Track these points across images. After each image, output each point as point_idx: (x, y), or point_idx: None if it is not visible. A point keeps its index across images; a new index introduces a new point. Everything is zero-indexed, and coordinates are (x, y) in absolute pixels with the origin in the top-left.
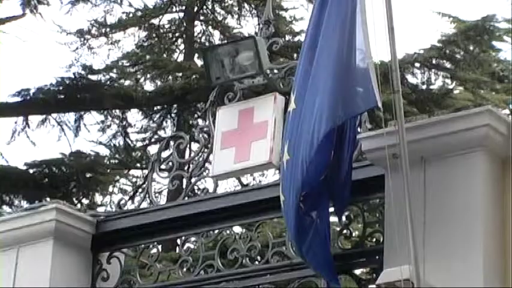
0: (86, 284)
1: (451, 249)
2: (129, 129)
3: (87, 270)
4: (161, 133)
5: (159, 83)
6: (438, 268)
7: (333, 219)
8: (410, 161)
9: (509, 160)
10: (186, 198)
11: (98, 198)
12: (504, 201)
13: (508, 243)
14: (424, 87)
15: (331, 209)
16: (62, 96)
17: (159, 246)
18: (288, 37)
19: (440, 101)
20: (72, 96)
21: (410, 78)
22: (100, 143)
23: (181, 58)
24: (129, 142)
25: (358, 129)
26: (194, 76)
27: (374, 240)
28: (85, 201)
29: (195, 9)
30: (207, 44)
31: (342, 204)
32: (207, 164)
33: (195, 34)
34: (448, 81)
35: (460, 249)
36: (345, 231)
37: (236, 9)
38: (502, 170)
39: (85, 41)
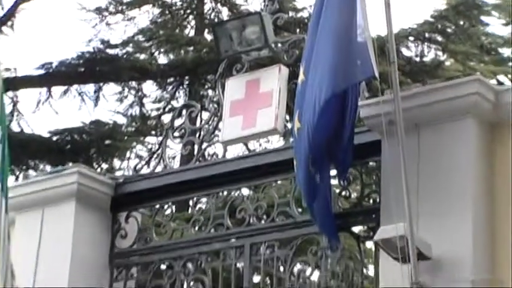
0: (106, 242)
1: (442, 207)
2: (144, 100)
3: (107, 229)
4: (174, 103)
5: (172, 56)
6: (431, 225)
7: (333, 181)
8: (405, 127)
9: (497, 125)
10: (198, 162)
11: (116, 163)
12: (492, 162)
13: (496, 201)
14: (417, 59)
15: (332, 172)
16: (82, 69)
17: (173, 207)
18: (291, 13)
19: (432, 71)
20: (91, 69)
21: (405, 51)
22: (118, 112)
23: (192, 33)
24: (145, 111)
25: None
26: (204, 50)
27: (371, 200)
28: (104, 165)
29: None
30: (216, 20)
31: (344, 168)
32: (216, 131)
33: (205, 11)
34: (440, 53)
35: (451, 207)
36: (344, 192)
37: None
38: (490, 134)
39: (103, 18)
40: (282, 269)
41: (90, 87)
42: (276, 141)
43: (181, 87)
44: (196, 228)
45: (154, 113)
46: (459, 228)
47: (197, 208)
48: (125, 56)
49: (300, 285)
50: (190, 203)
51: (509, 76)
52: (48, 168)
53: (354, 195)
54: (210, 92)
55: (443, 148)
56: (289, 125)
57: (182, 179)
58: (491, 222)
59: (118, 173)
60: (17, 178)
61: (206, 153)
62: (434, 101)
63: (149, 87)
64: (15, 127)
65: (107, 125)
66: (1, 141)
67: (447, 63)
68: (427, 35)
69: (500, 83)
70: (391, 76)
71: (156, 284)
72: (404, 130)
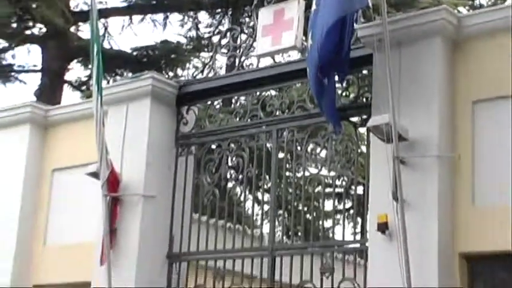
0: (173, 128)
1: (417, 102)
2: (199, 25)
3: (173, 119)
4: (221, 27)
5: None
6: (407, 116)
7: (337, 85)
8: (390, 44)
9: (458, 43)
10: (238, 70)
11: (179, 71)
12: (454, 69)
13: (456, 98)
14: None
15: (336, 78)
16: (154, 2)
17: (221, 103)
18: None
19: (410, 3)
20: (161, 2)
21: None
22: (180, 34)
23: None
24: (200, 34)
25: (355, 24)
26: None
27: (364, 98)
28: (171, 73)
29: None
30: None
31: (344, 74)
32: (252, 48)
33: None
34: None
35: (424, 103)
36: (345, 92)
37: None
38: (453, 49)
39: None
40: (299, 148)
41: (159, 16)
42: (296, 55)
43: (226, 16)
44: (238, 118)
45: (206, 35)
46: (429, 118)
47: (238, 103)
48: None
49: (312, 160)
50: (233, 100)
51: (467, 7)
52: (130, 74)
53: (352, 94)
54: (247, 19)
55: (418, 59)
56: (305, 44)
57: (227, 83)
58: (453, 114)
59: (181, 78)
60: (108, 82)
61: (244, 64)
62: (412, 24)
63: (203, 16)
64: (106, 45)
65: (172, 43)
66: (97, 54)
67: None
68: None
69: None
70: (381, 6)
71: (208, 158)
72: (390, 46)
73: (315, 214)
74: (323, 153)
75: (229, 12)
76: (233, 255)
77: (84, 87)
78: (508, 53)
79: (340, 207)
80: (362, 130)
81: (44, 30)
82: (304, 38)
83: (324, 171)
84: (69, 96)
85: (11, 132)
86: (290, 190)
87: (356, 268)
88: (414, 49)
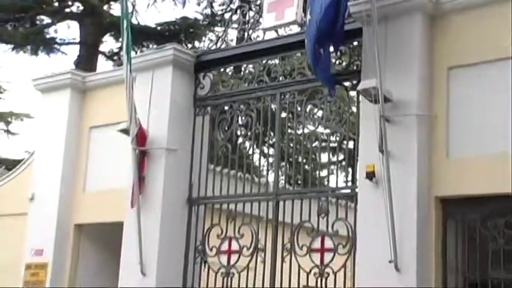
0: (191, 91)
1: (400, 70)
2: (214, 3)
3: (191, 83)
4: (232, 5)
5: None
6: (392, 80)
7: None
8: (378, 19)
9: (435, 18)
10: (247, 42)
11: (197, 43)
12: (432, 41)
13: (434, 64)
14: None
15: (331, 48)
16: None
17: (232, 69)
18: None
19: None
20: None
21: None
22: (197, 11)
23: None
24: (214, 11)
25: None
26: None
27: (355, 66)
28: (189, 45)
29: None
30: None
31: (338, 45)
32: (258, 22)
33: None
34: None
35: (405, 69)
36: (338, 60)
37: None
38: (431, 23)
39: None
40: (299, 108)
41: None
42: (296, 29)
43: None
44: (246, 83)
45: (219, 12)
46: (410, 83)
47: (247, 70)
48: None
49: (310, 118)
50: (243, 67)
51: None
52: (155, 46)
53: (344, 63)
54: None
55: (401, 32)
56: (304, 19)
57: (237, 52)
58: (431, 79)
59: (198, 49)
60: (136, 52)
61: (252, 36)
62: (397, 2)
63: None
64: (134, 21)
65: (190, 20)
66: (126, 29)
67: None
68: None
69: None
70: None
71: (222, 117)
72: (377, 21)
73: (312, 165)
74: (319, 113)
75: None
76: (243, 199)
77: (115, 57)
78: (478, 25)
79: (334, 159)
80: (353, 93)
81: (81, 8)
82: (303, 14)
83: (320, 129)
84: (103, 64)
85: (54, 96)
86: (291, 145)
87: (347, 210)
88: (398, 23)
